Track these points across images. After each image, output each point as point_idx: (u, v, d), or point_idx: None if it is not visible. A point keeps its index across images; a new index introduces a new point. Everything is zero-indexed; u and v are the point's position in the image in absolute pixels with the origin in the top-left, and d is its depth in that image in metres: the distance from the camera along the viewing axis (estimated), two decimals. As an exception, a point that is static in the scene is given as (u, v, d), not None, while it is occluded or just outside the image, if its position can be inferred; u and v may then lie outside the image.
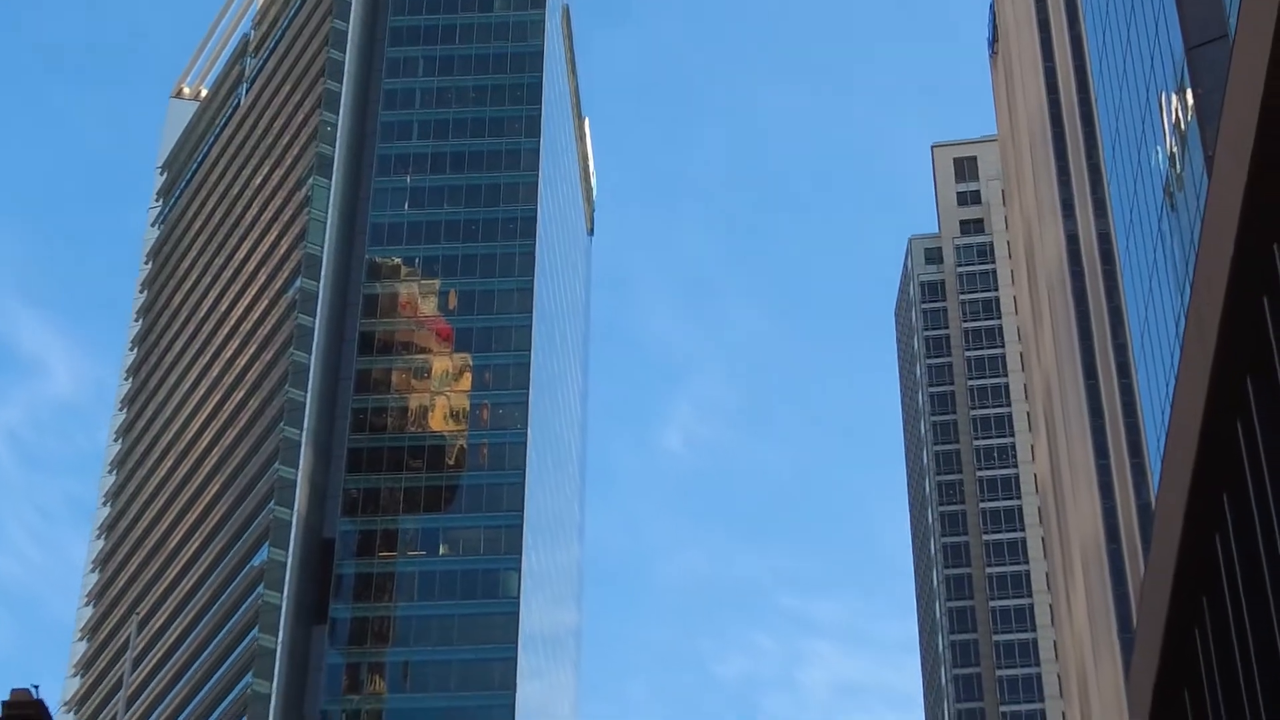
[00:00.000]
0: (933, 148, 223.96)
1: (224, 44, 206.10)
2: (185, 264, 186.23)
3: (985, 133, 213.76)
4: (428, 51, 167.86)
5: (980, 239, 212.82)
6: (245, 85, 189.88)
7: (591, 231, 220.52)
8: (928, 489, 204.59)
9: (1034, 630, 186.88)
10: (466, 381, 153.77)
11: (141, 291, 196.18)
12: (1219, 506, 45.16)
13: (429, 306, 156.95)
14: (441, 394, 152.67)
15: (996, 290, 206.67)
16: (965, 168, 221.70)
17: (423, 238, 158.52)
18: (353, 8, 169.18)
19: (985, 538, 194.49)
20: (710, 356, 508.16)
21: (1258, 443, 41.26)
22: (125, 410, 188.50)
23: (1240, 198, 38.40)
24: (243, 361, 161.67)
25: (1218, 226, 40.87)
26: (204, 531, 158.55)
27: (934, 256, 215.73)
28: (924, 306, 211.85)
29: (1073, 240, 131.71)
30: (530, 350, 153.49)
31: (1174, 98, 50.84)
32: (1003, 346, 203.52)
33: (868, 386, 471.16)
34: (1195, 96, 47.87)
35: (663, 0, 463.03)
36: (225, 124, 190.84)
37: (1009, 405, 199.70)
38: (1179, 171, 50.43)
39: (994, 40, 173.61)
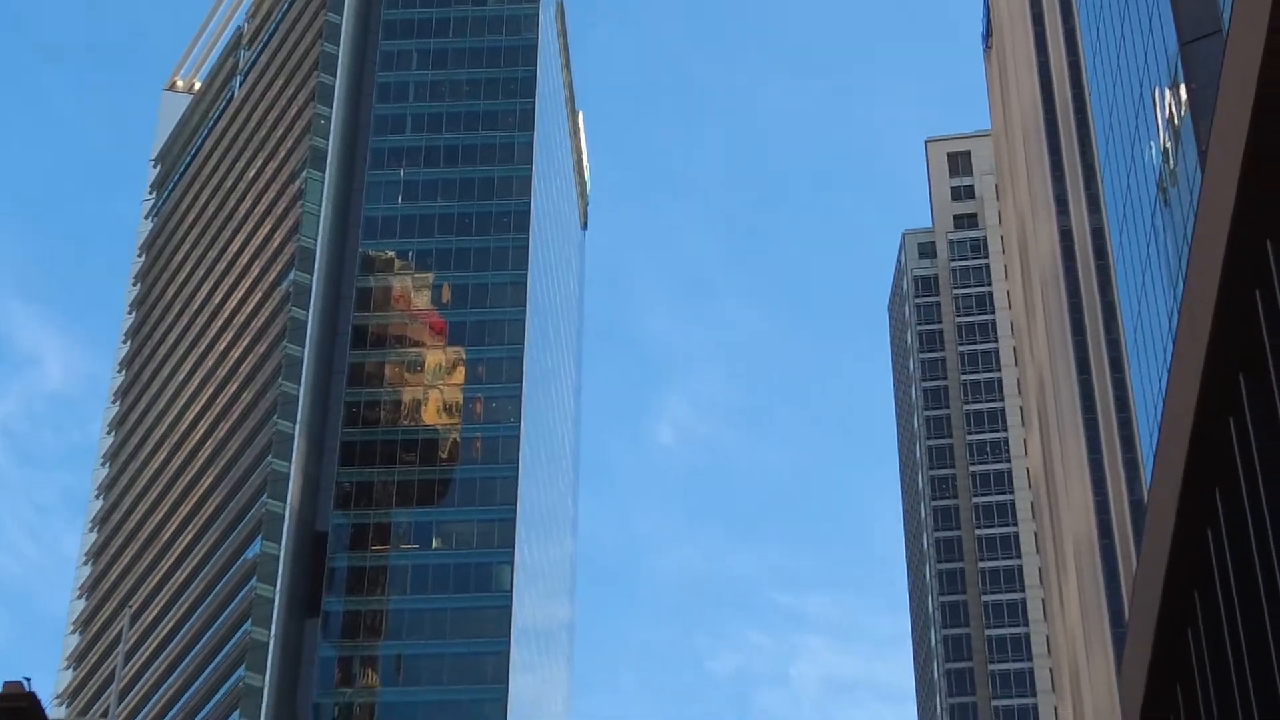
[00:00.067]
0: (927, 142, 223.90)
1: (218, 37, 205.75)
2: (179, 257, 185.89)
3: (979, 128, 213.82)
4: (421, 45, 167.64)
5: (974, 234, 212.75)
6: (239, 78, 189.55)
7: (585, 226, 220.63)
8: (920, 483, 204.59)
9: (1026, 625, 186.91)
10: (460, 375, 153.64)
11: (135, 284, 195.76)
12: (1211, 502, 45.21)
13: (422, 300, 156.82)
14: (435, 388, 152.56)
15: (990, 285, 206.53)
16: (959, 162, 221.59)
17: (416, 231, 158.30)
18: (346, 1, 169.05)
19: (978, 532, 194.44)
20: (705, 352, 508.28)
21: (1250, 439, 41.30)
22: (118, 403, 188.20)
23: (1234, 192, 38.45)
24: (236, 354, 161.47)
25: (1211, 221, 40.90)
26: (197, 524, 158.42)
27: (927, 251, 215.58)
28: (917, 301, 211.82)
29: (1066, 235, 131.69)
30: (524, 344, 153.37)
31: (1167, 93, 50.82)
32: (996, 341, 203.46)
33: (863, 383, 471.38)
34: (1189, 92, 47.85)
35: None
36: (219, 117, 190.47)
37: (1002, 400, 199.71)
38: (1172, 166, 50.42)
39: (988, 35, 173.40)
